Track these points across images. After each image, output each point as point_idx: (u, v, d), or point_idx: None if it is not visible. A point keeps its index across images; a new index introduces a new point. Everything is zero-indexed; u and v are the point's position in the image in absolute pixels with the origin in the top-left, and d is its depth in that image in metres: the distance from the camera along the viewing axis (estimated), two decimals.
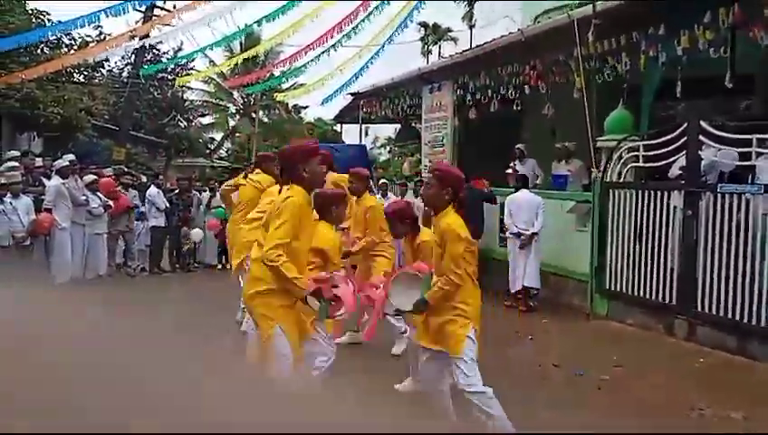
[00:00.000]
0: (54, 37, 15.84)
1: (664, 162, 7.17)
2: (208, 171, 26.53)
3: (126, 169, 13.58)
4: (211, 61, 27.58)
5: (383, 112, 14.88)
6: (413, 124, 15.10)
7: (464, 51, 11.72)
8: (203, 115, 32.61)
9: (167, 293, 10.30)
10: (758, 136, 6.07)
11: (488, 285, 9.30)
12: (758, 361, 5.85)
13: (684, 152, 6.83)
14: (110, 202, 10.10)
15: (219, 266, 11.86)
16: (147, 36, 16.59)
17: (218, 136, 33.76)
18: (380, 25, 14.39)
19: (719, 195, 6.39)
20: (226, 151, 32.93)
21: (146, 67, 20.08)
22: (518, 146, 10.69)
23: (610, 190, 7.80)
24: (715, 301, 6.35)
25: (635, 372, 5.81)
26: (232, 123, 33.59)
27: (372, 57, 14.82)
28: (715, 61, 6.99)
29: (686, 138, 6.76)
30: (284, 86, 26.54)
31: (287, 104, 32.77)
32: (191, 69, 24.96)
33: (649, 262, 7.22)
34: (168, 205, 11.45)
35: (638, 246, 7.39)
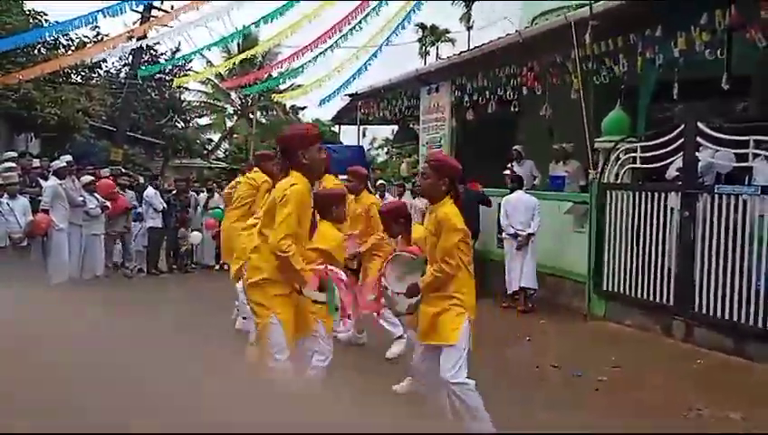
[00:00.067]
0: (52, 38, 15.81)
1: (661, 163, 7.18)
2: (206, 172, 26.49)
3: (123, 170, 13.57)
4: (209, 62, 27.58)
5: (381, 113, 14.90)
6: (411, 125, 15.11)
7: (461, 52, 11.71)
8: (200, 116, 32.57)
9: (164, 293, 10.30)
10: (755, 137, 6.09)
11: (486, 286, 9.30)
12: (755, 361, 5.86)
13: (681, 154, 6.84)
14: (108, 203, 10.09)
15: (217, 267, 11.85)
16: (144, 37, 16.56)
17: (216, 137, 33.73)
18: (378, 26, 14.42)
19: (716, 196, 6.40)
20: (224, 152, 32.88)
21: (143, 68, 20.05)
22: (515, 147, 10.71)
23: (608, 191, 7.81)
24: (713, 302, 6.36)
25: (633, 373, 5.82)
26: (229, 124, 33.57)
27: (370, 58, 14.83)
28: (712, 63, 7.01)
29: (683, 139, 6.77)
30: (282, 87, 26.53)
31: (285, 105, 32.78)
32: (189, 70, 24.93)
33: (647, 263, 7.23)
34: (165, 206, 11.44)
35: (635, 248, 7.40)
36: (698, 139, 6.59)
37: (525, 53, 9.45)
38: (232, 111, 33.54)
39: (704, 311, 6.47)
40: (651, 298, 7.16)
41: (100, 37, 19.17)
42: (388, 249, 6.28)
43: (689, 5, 6.96)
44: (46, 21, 16.43)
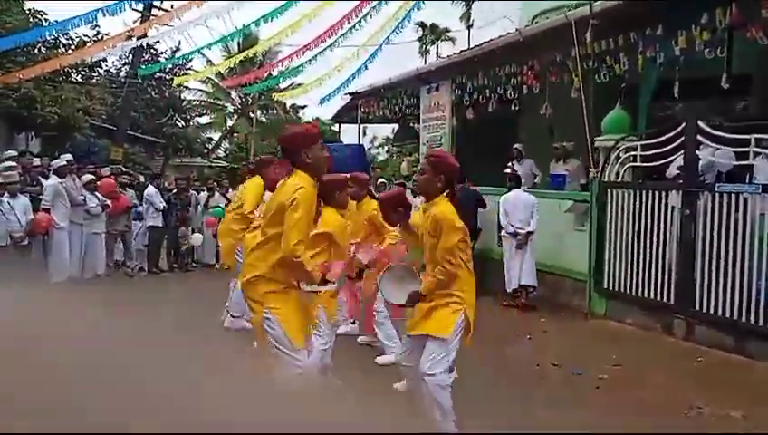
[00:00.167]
0: (52, 37, 15.81)
1: (662, 162, 7.18)
2: (206, 171, 26.47)
3: (124, 169, 13.57)
4: (209, 60, 27.54)
5: (381, 112, 14.88)
6: (411, 124, 15.10)
7: (462, 51, 11.71)
8: (201, 115, 32.55)
9: (165, 292, 10.31)
10: (756, 136, 6.09)
11: (486, 284, 9.32)
12: (756, 360, 5.86)
13: (681, 152, 6.84)
14: (108, 202, 10.10)
15: (217, 266, 11.84)
16: (144, 36, 16.56)
17: (216, 136, 33.70)
18: (378, 25, 14.40)
19: (717, 194, 6.40)
20: (224, 151, 32.84)
21: (143, 67, 20.04)
22: (516, 146, 10.70)
23: (608, 190, 7.81)
24: (714, 300, 6.36)
25: (633, 372, 5.82)
26: (230, 123, 33.54)
27: (370, 57, 14.82)
28: (713, 61, 7.01)
29: (683, 138, 6.77)
30: (282, 86, 26.53)
31: (285, 104, 32.76)
32: (189, 69, 24.91)
33: (647, 261, 7.23)
34: (165, 205, 11.45)
35: (636, 246, 7.40)
36: (699, 137, 6.59)
37: (526, 52, 9.44)
38: (232, 110, 33.51)
39: (704, 309, 6.48)
40: (652, 297, 7.16)
41: (100, 36, 19.18)
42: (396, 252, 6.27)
43: (690, 4, 6.96)
44: (46, 20, 16.44)
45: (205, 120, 33.14)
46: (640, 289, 7.32)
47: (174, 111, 26.86)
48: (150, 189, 11.46)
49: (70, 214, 9.25)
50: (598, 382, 5.51)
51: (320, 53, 14.60)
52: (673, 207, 6.96)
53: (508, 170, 9.55)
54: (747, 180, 6.33)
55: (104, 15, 12.36)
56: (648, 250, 7.23)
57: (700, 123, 6.58)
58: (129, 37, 15.48)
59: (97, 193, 9.99)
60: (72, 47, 17.79)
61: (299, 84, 24.12)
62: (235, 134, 32.94)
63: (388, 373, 5.31)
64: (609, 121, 8.02)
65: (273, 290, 3.62)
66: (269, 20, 13.29)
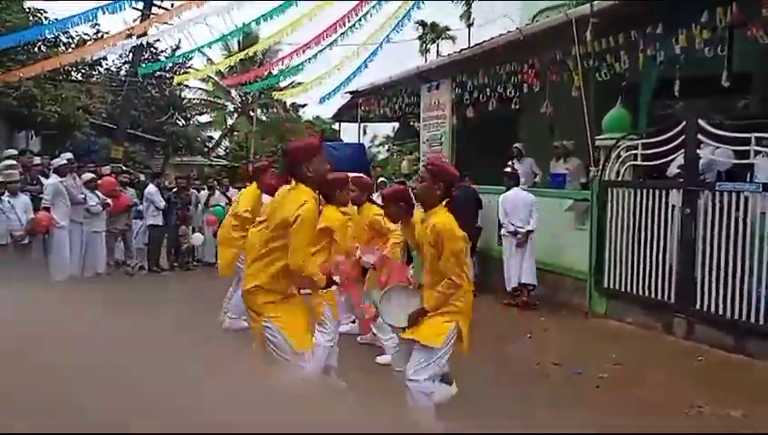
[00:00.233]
0: (52, 35, 15.81)
1: (662, 161, 7.18)
2: (206, 170, 26.48)
3: (124, 168, 13.56)
4: (209, 59, 27.54)
5: (381, 111, 14.88)
6: (411, 123, 15.10)
7: (462, 49, 11.70)
8: (201, 113, 32.53)
9: (165, 291, 10.30)
10: (756, 135, 6.08)
11: (486, 283, 9.35)
12: (756, 359, 5.87)
13: (682, 151, 6.83)
14: (108, 200, 10.10)
15: (217, 264, 11.83)
16: (144, 35, 16.55)
17: (216, 134, 33.70)
18: (378, 24, 14.39)
19: (717, 193, 6.40)
20: (224, 150, 32.84)
21: (144, 65, 20.02)
22: (516, 145, 10.70)
23: (609, 189, 7.81)
24: (714, 299, 6.36)
25: (633, 371, 5.82)
26: (230, 122, 33.53)
27: (370, 56, 14.81)
28: (713, 60, 7.00)
29: (684, 136, 6.76)
30: (282, 84, 26.51)
31: (285, 103, 32.75)
32: (189, 67, 24.90)
33: (648, 260, 7.23)
34: (165, 203, 11.44)
35: (636, 245, 7.40)
36: (700, 136, 6.58)
37: (526, 51, 9.44)
38: (232, 109, 33.50)
39: (705, 308, 6.48)
40: (652, 296, 7.16)
41: (100, 35, 19.17)
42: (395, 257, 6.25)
43: (690, 3, 6.95)
44: (46, 18, 16.41)
45: (205, 118, 33.15)
46: (641, 288, 7.32)
47: (174, 109, 26.86)
48: (151, 188, 11.46)
49: (70, 213, 9.25)
50: (598, 381, 5.51)
51: (320, 51, 14.60)
52: (673, 206, 6.96)
53: (508, 169, 9.55)
54: (748, 179, 6.33)
55: (104, 14, 12.39)
56: (648, 249, 7.23)
57: (701, 122, 6.58)
58: (130, 36, 15.47)
59: (97, 192, 9.99)
60: (73, 46, 17.79)
61: (299, 83, 24.08)
62: (236, 133, 32.93)
63: (389, 372, 5.31)
64: (609, 120, 8.02)
65: (272, 301, 3.67)
66: (269, 19, 13.29)
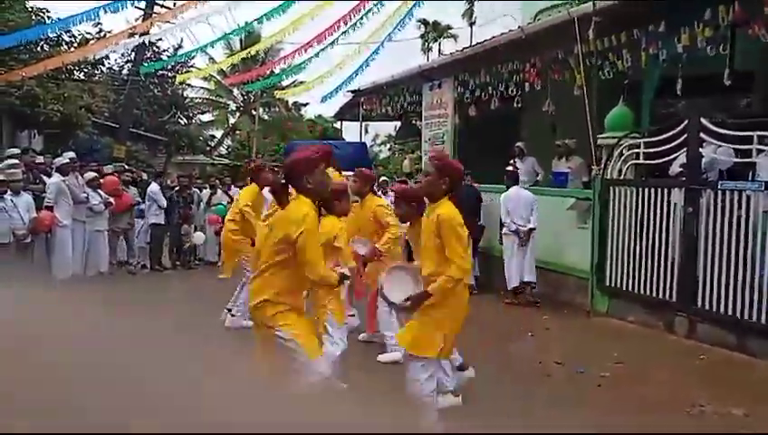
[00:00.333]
0: (54, 35, 15.82)
1: (664, 159, 7.17)
2: (208, 169, 26.51)
3: (126, 167, 13.57)
4: (211, 58, 27.52)
5: (383, 110, 14.87)
6: (413, 121, 15.08)
7: (464, 48, 11.69)
8: (203, 112, 32.55)
9: (167, 290, 10.32)
10: (759, 133, 6.07)
11: (489, 282, 9.35)
12: (758, 358, 5.86)
13: (684, 149, 6.82)
14: (111, 199, 10.11)
15: (220, 264, 11.84)
16: (146, 34, 16.56)
17: (218, 133, 33.72)
18: (380, 22, 14.38)
19: (720, 192, 6.39)
20: (226, 149, 32.87)
21: (146, 65, 20.03)
22: (518, 144, 10.68)
23: (611, 187, 7.80)
24: (716, 298, 6.36)
25: (635, 370, 5.82)
26: (232, 121, 33.54)
27: (372, 54, 14.81)
28: (716, 58, 6.99)
29: (686, 135, 6.75)
30: (284, 83, 26.50)
31: (287, 101, 32.74)
32: (191, 66, 24.90)
33: (650, 259, 7.22)
34: (167, 202, 11.45)
35: (638, 244, 7.39)
36: (702, 134, 6.57)
37: (528, 49, 9.43)
38: (234, 108, 33.50)
39: (707, 307, 6.47)
40: (654, 294, 7.15)
41: (102, 34, 19.17)
42: (397, 251, 6.25)
43: (692, 1, 6.94)
44: (48, 18, 16.43)
45: (207, 117, 33.18)
46: (642, 287, 7.31)
47: (176, 108, 26.88)
48: (154, 187, 11.47)
49: (73, 212, 9.26)
50: (600, 380, 5.51)
51: (322, 50, 14.59)
52: (675, 205, 6.96)
53: (510, 168, 9.54)
54: (750, 178, 6.32)
55: (106, 13, 12.39)
56: (650, 248, 7.22)
57: (703, 121, 6.57)
58: (132, 35, 15.48)
59: (100, 191, 10.01)
60: (75, 45, 17.80)
61: (301, 82, 24.07)
62: (238, 132, 32.94)
63: (391, 371, 5.32)
64: (611, 119, 8.01)
65: (281, 311, 3.68)
66: (271, 17, 13.29)
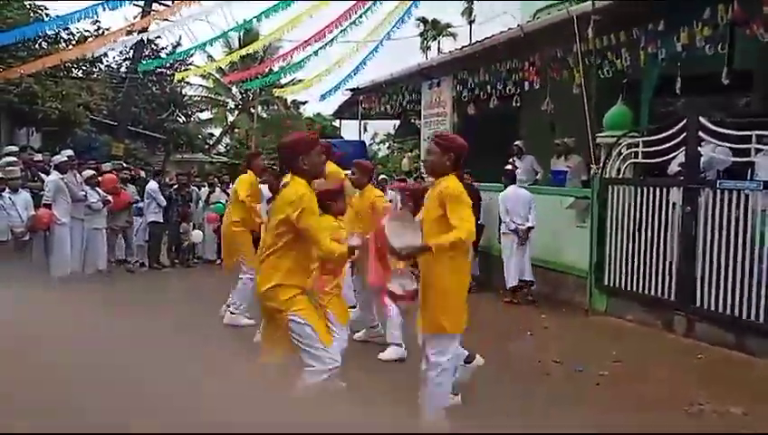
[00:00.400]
0: (52, 32, 15.78)
1: (663, 158, 7.17)
2: (207, 167, 26.46)
3: (125, 165, 13.55)
4: (209, 56, 27.49)
5: (382, 108, 14.87)
6: (412, 120, 15.09)
7: (463, 47, 11.69)
8: (201, 110, 32.52)
9: (166, 288, 10.31)
10: (757, 132, 6.07)
11: (488, 280, 9.35)
12: (756, 356, 5.87)
13: (683, 149, 6.82)
14: (109, 197, 10.09)
15: (218, 262, 11.83)
16: (145, 31, 16.53)
17: (217, 131, 33.68)
18: (379, 20, 14.37)
19: (718, 191, 6.39)
20: (225, 147, 32.83)
21: (144, 62, 20.00)
22: (516, 142, 10.68)
23: (610, 186, 7.80)
24: (714, 297, 6.36)
25: (634, 368, 5.82)
26: (231, 119, 33.52)
27: (371, 53, 14.79)
28: (715, 57, 6.99)
29: (685, 134, 6.75)
30: (283, 81, 26.48)
31: (286, 99, 32.71)
32: (190, 64, 24.86)
33: (648, 258, 7.22)
34: (166, 200, 11.44)
35: (637, 243, 7.39)
36: (701, 134, 6.57)
37: (527, 48, 9.42)
38: (233, 106, 33.47)
39: (705, 306, 6.47)
40: (653, 293, 7.16)
41: (100, 31, 19.13)
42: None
43: (692, 1, 6.94)
44: (47, 15, 16.38)
45: (206, 115, 33.17)
46: (641, 286, 7.31)
47: (175, 106, 26.84)
48: (152, 185, 11.46)
49: (71, 209, 9.24)
50: (598, 379, 5.52)
51: (321, 48, 14.57)
52: (674, 204, 6.96)
53: (509, 167, 9.54)
54: (748, 177, 6.32)
55: (104, 10, 12.37)
56: (648, 247, 7.23)
57: (702, 120, 6.57)
58: (130, 32, 15.46)
59: (98, 189, 9.99)
60: (73, 42, 17.75)
61: (300, 80, 24.03)
62: (236, 130, 32.92)
63: (391, 371, 5.32)
64: (610, 117, 8.01)
65: (293, 295, 3.70)
66: (269, 15, 13.26)
